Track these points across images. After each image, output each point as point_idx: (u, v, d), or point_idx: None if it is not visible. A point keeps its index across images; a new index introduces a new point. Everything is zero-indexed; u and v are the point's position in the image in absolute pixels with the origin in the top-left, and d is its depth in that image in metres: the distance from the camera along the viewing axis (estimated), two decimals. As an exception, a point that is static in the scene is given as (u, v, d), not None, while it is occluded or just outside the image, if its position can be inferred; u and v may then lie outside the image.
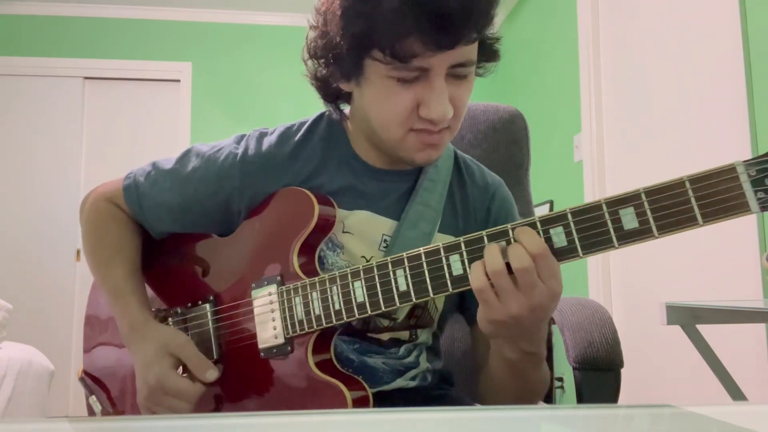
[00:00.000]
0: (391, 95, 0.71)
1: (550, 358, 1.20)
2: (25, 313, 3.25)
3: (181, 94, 3.87)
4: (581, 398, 0.95)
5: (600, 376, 0.95)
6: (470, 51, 0.71)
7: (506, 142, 1.28)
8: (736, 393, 1.31)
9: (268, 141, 0.85)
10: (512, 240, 0.61)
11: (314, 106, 0.89)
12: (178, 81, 3.89)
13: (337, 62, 0.74)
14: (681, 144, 2.07)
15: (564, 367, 1.38)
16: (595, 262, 2.57)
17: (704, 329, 1.29)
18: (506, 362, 0.71)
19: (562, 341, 1.00)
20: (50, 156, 3.73)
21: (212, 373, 0.76)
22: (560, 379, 2.62)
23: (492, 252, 0.60)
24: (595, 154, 2.59)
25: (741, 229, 1.75)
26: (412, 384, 0.85)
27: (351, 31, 0.69)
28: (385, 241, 0.82)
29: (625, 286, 2.43)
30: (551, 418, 0.48)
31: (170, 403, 0.74)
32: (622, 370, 0.96)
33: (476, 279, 0.61)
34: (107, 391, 0.92)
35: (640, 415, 0.46)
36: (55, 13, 3.82)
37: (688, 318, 1.27)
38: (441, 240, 0.83)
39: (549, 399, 1.20)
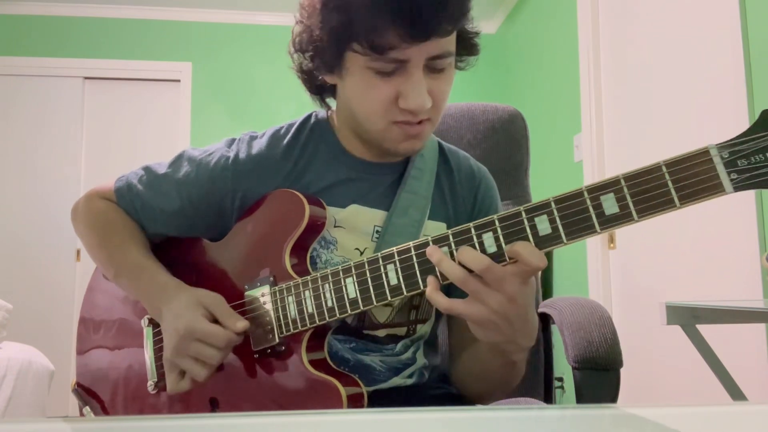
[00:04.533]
0: (371, 87, 0.73)
1: (549, 358, 1.20)
2: (25, 313, 3.25)
3: (181, 94, 3.87)
4: (581, 398, 0.95)
5: (599, 376, 0.95)
6: (447, 43, 0.73)
7: (506, 142, 1.28)
8: (736, 393, 1.31)
9: (258, 144, 0.87)
10: (498, 229, 0.62)
11: (315, 106, 0.90)
12: (178, 81, 3.89)
13: (320, 55, 0.76)
14: (681, 143, 2.07)
15: (564, 367, 1.38)
16: (595, 262, 2.57)
17: (704, 329, 1.29)
18: (506, 362, 0.73)
19: (562, 341, 1.00)
20: (50, 156, 3.73)
21: (242, 324, 0.75)
22: (560, 379, 2.62)
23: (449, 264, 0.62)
24: (595, 154, 2.59)
25: (741, 229, 1.75)
26: (409, 382, 0.86)
27: (330, 24, 0.72)
28: (377, 232, 0.83)
29: (625, 286, 2.43)
30: (550, 418, 0.48)
31: (198, 349, 0.73)
32: (622, 370, 0.95)
33: (455, 273, 0.62)
34: (100, 401, 0.92)
35: (628, 416, 0.46)
36: (55, 13, 3.82)
37: (688, 318, 1.27)
38: (431, 227, 0.85)
39: (549, 399, 1.20)
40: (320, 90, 0.85)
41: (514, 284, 0.61)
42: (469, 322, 0.65)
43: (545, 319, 1.19)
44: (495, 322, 0.62)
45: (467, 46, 0.80)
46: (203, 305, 0.76)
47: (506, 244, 0.61)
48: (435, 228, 0.85)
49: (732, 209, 1.78)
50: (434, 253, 0.63)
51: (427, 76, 0.73)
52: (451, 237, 0.64)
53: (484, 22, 3.71)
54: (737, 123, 1.75)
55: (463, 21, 0.74)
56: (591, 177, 2.60)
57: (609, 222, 0.58)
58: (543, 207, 0.60)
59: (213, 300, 0.77)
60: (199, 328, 0.73)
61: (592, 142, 2.61)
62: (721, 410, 0.49)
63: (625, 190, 0.57)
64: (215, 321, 0.76)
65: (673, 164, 0.55)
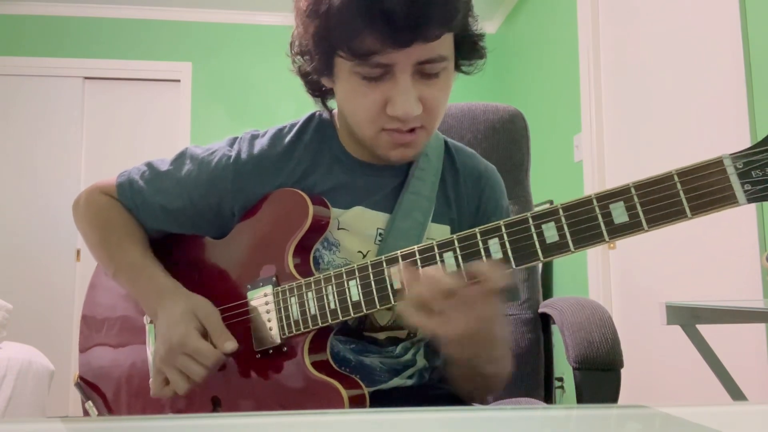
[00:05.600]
0: (358, 93, 0.72)
1: (549, 358, 1.20)
2: (25, 313, 3.24)
3: (181, 94, 3.87)
4: (581, 398, 0.95)
5: (600, 376, 0.94)
6: (438, 47, 0.69)
7: (506, 141, 1.27)
8: (736, 393, 1.31)
9: (260, 143, 0.86)
10: (504, 236, 0.62)
11: (314, 105, 0.89)
12: (178, 81, 3.88)
13: (311, 60, 0.75)
14: (681, 143, 2.07)
15: (564, 367, 1.38)
16: (595, 262, 2.57)
17: (704, 329, 1.29)
18: (471, 369, 0.75)
19: (562, 341, 1.00)
20: (50, 156, 3.73)
21: (231, 345, 0.75)
22: (560, 379, 2.62)
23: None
24: (595, 154, 2.59)
25: (741, 229, 1.75)
26: (410, 383, 0.85)
27: (312, 30, 0.71)
28: (380, 234, 0.82)
29: (625, 286, 2.43)
30: (550, 419, 0.48)
31: (186, 364, 0.73)
32: (622, 370, 0.95)
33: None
34: (103, 396, 0.92)
35: (629, 415, 0.46)
36: (55, 13, 3.82)
37: (688, 318, 1.27)
38: (435, 229, 0.84)
39: (549, 399, 1.20)
40: (321, 92, 0.84)
41: (479, 306, 0.62)
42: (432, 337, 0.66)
43: (545, 320, 1.19)
44: (458, 342, 0.65)
45: (469, 49, 0.77)
46: (197, 317, 0.76)
47: (512, 250, 0.61)
48: (438, 230, 0.84)
49: (732, 209, 1.78)
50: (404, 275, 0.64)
51: (419, 81, 0.71)
52: (456, 242, 0.64)
53: (484, 22, 3.67)
54: (737, 123, 1.75)
55: (452, 24, 0.69)
56: (591, 177, 2.60)
57: (618, 231, 0.57)
58: (551, 214, 0.59)
59: (207, 313, 0.77)
60: (190, 344, 0.73)
61: (592, 142, 2.61)
62: (721, 410, 0.49)
63: (636, 199, 0.56)
64: (206, 333, 0.76)
65: (686, 174, 0.54)
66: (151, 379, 0.85)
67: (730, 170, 0.52)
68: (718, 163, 0.53)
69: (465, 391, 0.84)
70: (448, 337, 0.63)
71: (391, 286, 0.68)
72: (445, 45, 0.71)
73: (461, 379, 0.80)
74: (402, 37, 0.65)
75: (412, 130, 0.74)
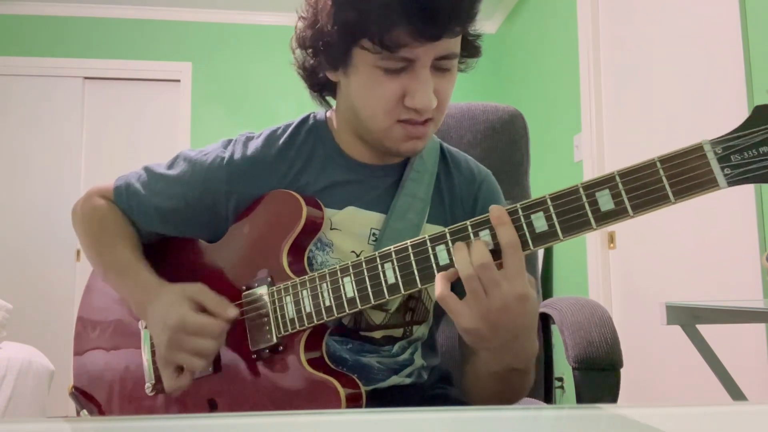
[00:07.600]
0: (377, 85, 0.73)
1: (549, 358, 1.20)
2: (25, 313, 3.24)
3: (181, 94, 3.87)
4: (581, 398, 0.95)
5: (599, 376, 0.94)
6: (454, 44, 0.74)
7: (506, 142, 1.27)
8: (736, 393, 1.31)
9: (254, 145, 0.86)
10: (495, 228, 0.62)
11: (314, 105, 0.90)
12: (178, 81, 3.89)
13: (326, 51, 0.76)
14: (681, 143, 2.06)
15: (564, 367, 1.38)
16: (595, 262, 2.57)
17: (704, 329, 1.29)
18: (492, 374, 0.71)
19: (562, 341, 1.00)
20: (50, 156, 3.73)
21: (232, 311, 0.75)
22: (560, 379, 2.62)
23: (479, 246, 0.61)
24: (595, 154, 2.59)
25: (741, 229, 1.75)
26: (408, 381, 0.85)
27: (342, 20, 0.71)
28: (374, 234, 0.82)
29: (625, 286, 2.43)
30: (551, 419, 0.48)
31: (193, 344, 0.73)
32: (622, 370, 0.95)
33: (465, 267, 0.61)
34: (98, 404, 0.91)
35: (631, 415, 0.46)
36: (55, 13, 3.82)
37: (688, 318, 1.27)
38: (430, 230, 0.83)
39: (549, 399, 1.20)
40: (321, 88, 0.85)
41: (507, 290, 0.60)
42: (456, 323, 0.63)
43: (545, 319, 1.19)
44: (480, 330, 0.61)
45: (470, 47, 0.80)
46: (189, 298, 0.76)
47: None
48: (433, 232, 0.84)
49: (732, 209, 1.78)
50: (499, 215, 0.61)
51: (433, 75, 0.73)
52: (448, 235, 0.65)
53: (484, 22, 3.70)
54: (737, 122, 1.74)
55: (473, 22, 0.74)
56: (591, 177, 2.58)
57: (605, 218, 0.58)
58: (539, 204, 0.61)
59: (198, 290, 0.77)
60: (190, 322, 0.73)
61: (592, 142, 2.61)
62: (721, 410, 0.49)
63: (620, 186, 0.58)
64: (203, 311, 0.75)
65: (668, 160, 0.56)
66: (147, 383, 0.85)
67: (710, 155, 0.54)
68: (698, 149, 0.54)
69: (481, 398, 0.80)
70: (468, 321, 0.61)
71: (386, 281, 0.68)
72: (458, 42, 0.75)
73: (484, 383, 0.75)
74: (433, 32, 0.68)
75: (424, 122, 0.76)
